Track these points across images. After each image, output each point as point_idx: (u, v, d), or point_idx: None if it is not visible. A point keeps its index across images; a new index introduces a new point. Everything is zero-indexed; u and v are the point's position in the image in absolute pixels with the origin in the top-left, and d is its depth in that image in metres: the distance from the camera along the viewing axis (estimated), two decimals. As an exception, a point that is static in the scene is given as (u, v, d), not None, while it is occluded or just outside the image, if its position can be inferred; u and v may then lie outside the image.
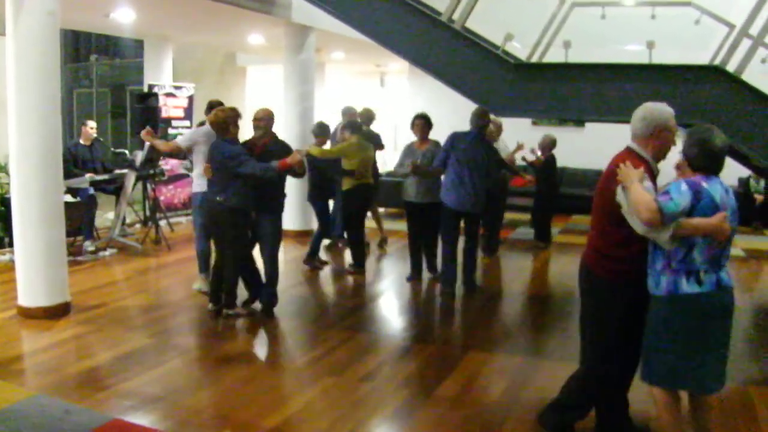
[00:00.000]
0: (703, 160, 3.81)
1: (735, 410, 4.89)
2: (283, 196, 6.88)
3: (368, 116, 10.20)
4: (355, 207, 8.81)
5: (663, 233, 3.68)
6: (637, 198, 3.66)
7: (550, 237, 10.97)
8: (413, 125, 8.21)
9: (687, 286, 3.74)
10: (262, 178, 6.39)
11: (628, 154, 3.98)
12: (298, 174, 6.79)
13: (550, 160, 10.56)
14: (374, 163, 9.16)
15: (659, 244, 3.76)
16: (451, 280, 7.76)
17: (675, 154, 4.09)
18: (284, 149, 6.75)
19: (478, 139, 7.56)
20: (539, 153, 10.52)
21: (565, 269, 9.06)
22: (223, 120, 6.43)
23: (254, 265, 6.97)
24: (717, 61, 6.17)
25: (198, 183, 7.14)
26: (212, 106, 7.35)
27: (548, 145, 10.52)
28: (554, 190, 10.96)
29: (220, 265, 6.72)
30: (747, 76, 5.94)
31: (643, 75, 6.14)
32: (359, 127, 9.01)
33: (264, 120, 6.73)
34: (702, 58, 6.69)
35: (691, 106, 6.02)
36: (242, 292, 6.95)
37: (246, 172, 6.31)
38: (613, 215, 3.92)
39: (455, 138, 7.52)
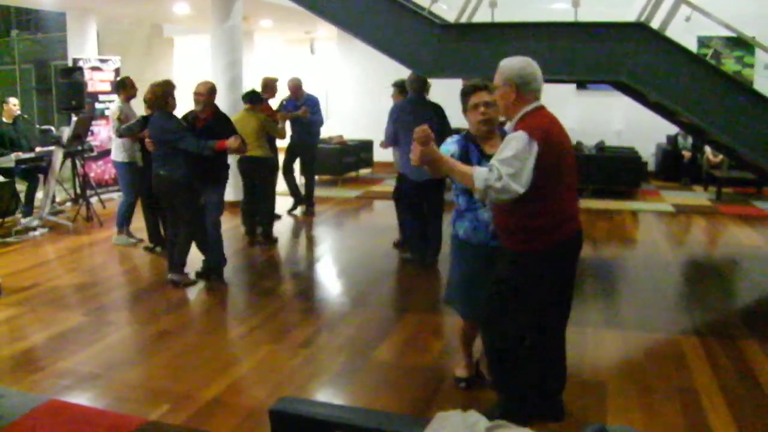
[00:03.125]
0: None
1: (666, 359, 5.07)
2: (225, 168, 7.00)
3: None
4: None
5: None
6: None
7: None
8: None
9: None
10: (199, 154, 6.51)
11: None
12: (235, 152, 6.87)
13: None
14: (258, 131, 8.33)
15: None
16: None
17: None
18: (225, 125, 6.85)
19: (421, 104, 7.29)
20: None
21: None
22: (162, 94, 6.57)
23: (206, 236, 7.00)
24: (642, 19, 6.26)
25: None
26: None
27: None
28: None
29: (173, 235, 6.88)
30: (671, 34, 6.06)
31: (568, 33, 6.21)
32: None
33: (204, 95, 6.80)
34: (628, 16, 6.78)
35: (617, 63, 6.11)
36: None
37: (184, 147, 6.47)
38: None
39: (397, 110, 7.37)
